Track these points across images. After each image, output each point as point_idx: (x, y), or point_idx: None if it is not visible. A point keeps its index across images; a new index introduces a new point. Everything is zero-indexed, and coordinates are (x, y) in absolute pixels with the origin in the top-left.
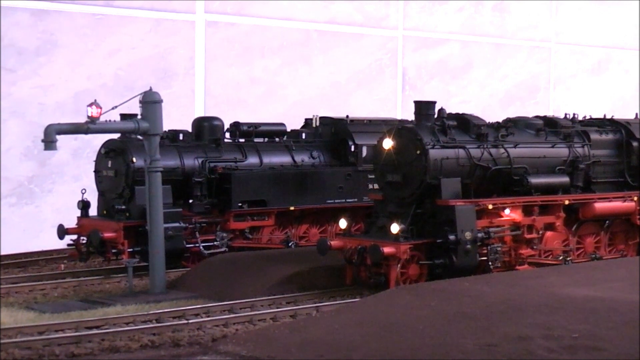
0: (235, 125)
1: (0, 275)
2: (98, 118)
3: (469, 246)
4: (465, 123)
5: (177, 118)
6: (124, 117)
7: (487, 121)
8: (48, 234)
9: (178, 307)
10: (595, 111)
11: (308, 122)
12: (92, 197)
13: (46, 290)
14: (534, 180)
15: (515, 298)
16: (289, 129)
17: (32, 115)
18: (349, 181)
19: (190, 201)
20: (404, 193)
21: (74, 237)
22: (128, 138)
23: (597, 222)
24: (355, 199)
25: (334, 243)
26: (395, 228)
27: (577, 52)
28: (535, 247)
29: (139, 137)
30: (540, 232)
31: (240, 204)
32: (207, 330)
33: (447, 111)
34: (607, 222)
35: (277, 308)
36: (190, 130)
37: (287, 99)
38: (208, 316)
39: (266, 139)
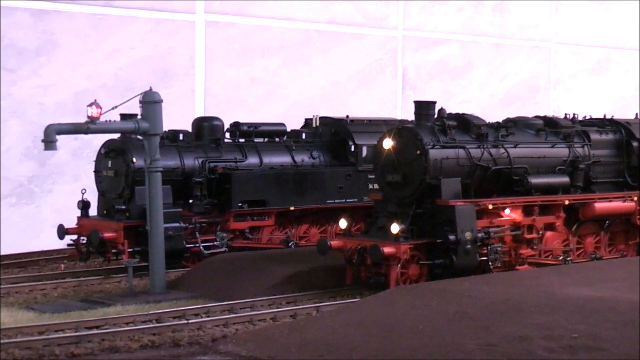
0: (235, 125)
1: (0, 275)
2: (98, 118)
3: (469, 246)
4: (465, 123)
5: (177, 118)
6: (124, 117)
7: (487, 121)
8: (48, 234)
9: (178, 307)
10: (595, 111)
11: (308, 122)
12: (92, 197)
13: (46, 290)
14: (534, 180)
15: (515, 298)
16: (289, 129)
17: (32, 115)
18: (349, 181)
19: (190, 201)
20: (404, 193)
21: (74, 237)
22: (128, 138)
23: (597, 222)
24: (355, 199)
25: (334, 243)
26: (395, 228)
27: (577, 52)
28: (535, 247)
29: (139, 137)
30: (540, 232)
31: (240, 204)
32: (207, 330)
33: (447, 111)
34: (607, 222)
35: (277, 308)
36: (190, 130)
37: (287, 99)
38: (208, 316)
39: (266, 139)
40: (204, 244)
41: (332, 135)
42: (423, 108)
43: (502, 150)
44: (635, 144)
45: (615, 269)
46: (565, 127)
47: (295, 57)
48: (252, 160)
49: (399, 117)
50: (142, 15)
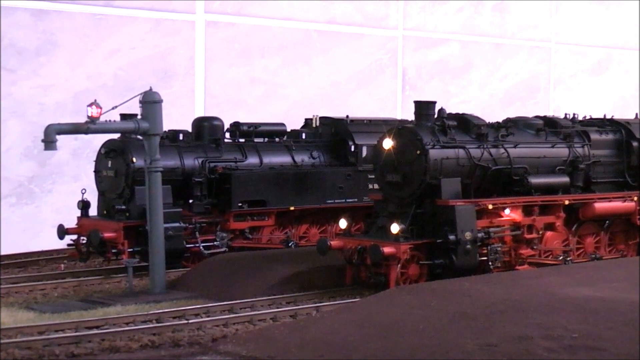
0: (235, 125)
1: (0, 275)
2: (98, 118)
3: (469, 246)
4: (465, 123)
5: (177, 118)
6: (124, 117)
7: (487, 121)
8: (48, 234)
9: (178, 307)
10: (595, 111)
11: (308, 122)
12: (92, 197)
13: (46, 290)
14: (534, 180)
15: (515, 298)
16: (289, 129)
17: (32, 115)
18: (349, 181)
19: (190, 201)
20: (404, 193)
21: (74, 237)
22: (128, 138)
23: (597, 222)
24: (355, 199)
25: (334, 243)
26: (395, 228)
27: (577, 52)
28: (535, 247)
29: (139, 137)
30: (540, 232)
31: (240, 204)
32: (207, 330)
33: (447, 111)
34: (607, 222)
35: (277, 308)
36: (190, 130)
37: (287, 99)
38: (208, 316)
39: (266, 139)
40: (204, 244)
41: (332, 135)
42: (423, 108)
43: (502, 150)
44: (635, 144)
45: (615, 269)
46: (565, 127)
47: (295, 57)
48: (252, 160)
49: (399, 117)
50: (142, 15)
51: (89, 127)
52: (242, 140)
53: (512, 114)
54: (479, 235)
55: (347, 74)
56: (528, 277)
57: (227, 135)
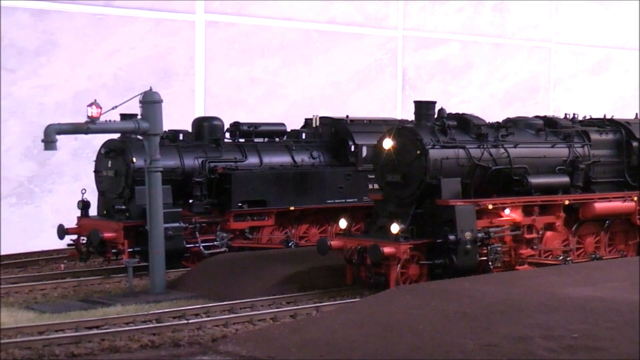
0: (235, 125)
1: (0, 275)
2: (98, 118)
3: (469, 246)
4: (465, 123)
5: (177, 118)
6: (124, 117)
7: (487, 121)
8: (48, 234)
9: (178, 307)
10: (595, 111)
11: (308, 122)
12: (92, 197)
13: (46, 290)
14: (534, 180)
15: (515, 298)
16: (289, 129)
17: (32, 115)
18: (349, 181)
19: (190, 201)
20: (404, 193)
21: (74, 237)
22: (128, 138)
23: (597, 222)
24: (355, 199)
25: (334, 243)
26: (395, 228)
27: (577, 52)
28: (535, 247)
29: (139, 137)
30: (540, 232)
31: (240, 204)
32: (207, 330)
33: (447, 111)
34: (607, 222)
35: (277, 308)
36: (190, 130)
37: (287, 99)
38: (208, 316)
39: (266, 139)
40: (204, 244)
41: (332, 135)
42: (423, 108)
43: (502, 150)
44: (635, 144)
45: (615, 269)
46: (565, 127)
47: (295, 57)
48: (252, 160)
49: (399, 117)
50: (142, 15)
51: (89, 127)
52: (242, 140)
53: (512, 114)
54: (479, 235)
55: (347, 74)
56: (528, 277)
57: (227, 135)
